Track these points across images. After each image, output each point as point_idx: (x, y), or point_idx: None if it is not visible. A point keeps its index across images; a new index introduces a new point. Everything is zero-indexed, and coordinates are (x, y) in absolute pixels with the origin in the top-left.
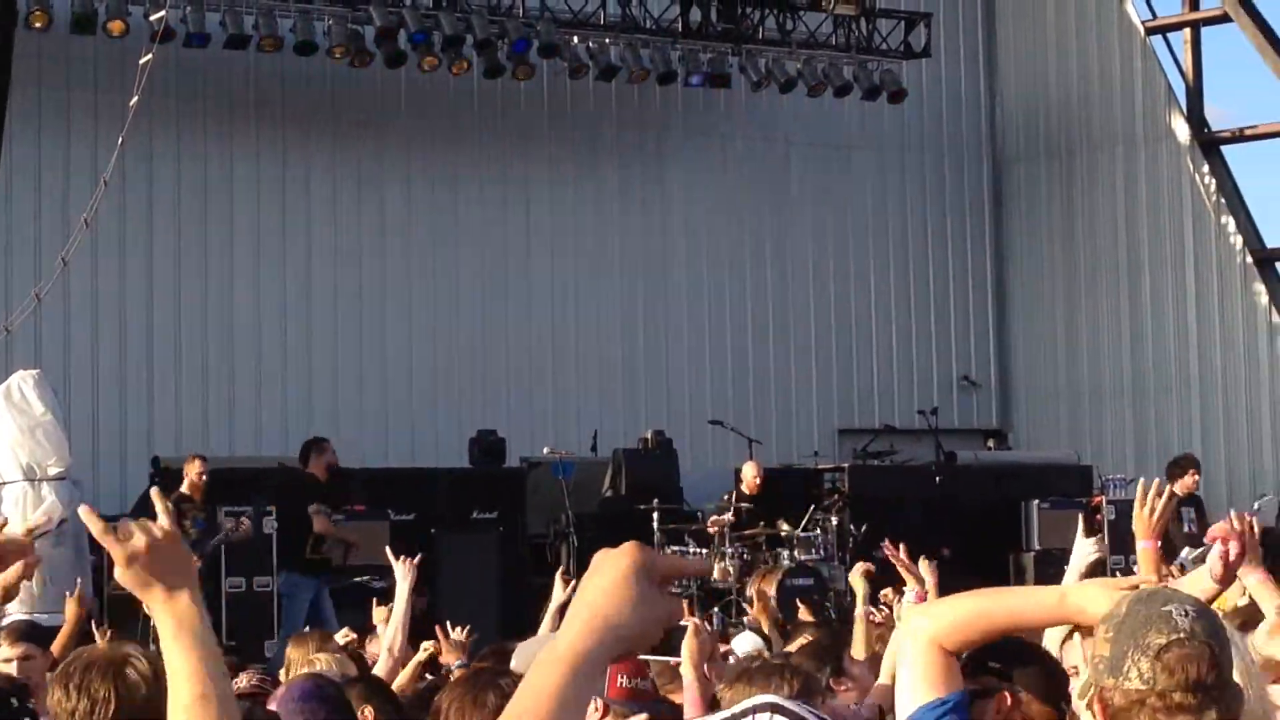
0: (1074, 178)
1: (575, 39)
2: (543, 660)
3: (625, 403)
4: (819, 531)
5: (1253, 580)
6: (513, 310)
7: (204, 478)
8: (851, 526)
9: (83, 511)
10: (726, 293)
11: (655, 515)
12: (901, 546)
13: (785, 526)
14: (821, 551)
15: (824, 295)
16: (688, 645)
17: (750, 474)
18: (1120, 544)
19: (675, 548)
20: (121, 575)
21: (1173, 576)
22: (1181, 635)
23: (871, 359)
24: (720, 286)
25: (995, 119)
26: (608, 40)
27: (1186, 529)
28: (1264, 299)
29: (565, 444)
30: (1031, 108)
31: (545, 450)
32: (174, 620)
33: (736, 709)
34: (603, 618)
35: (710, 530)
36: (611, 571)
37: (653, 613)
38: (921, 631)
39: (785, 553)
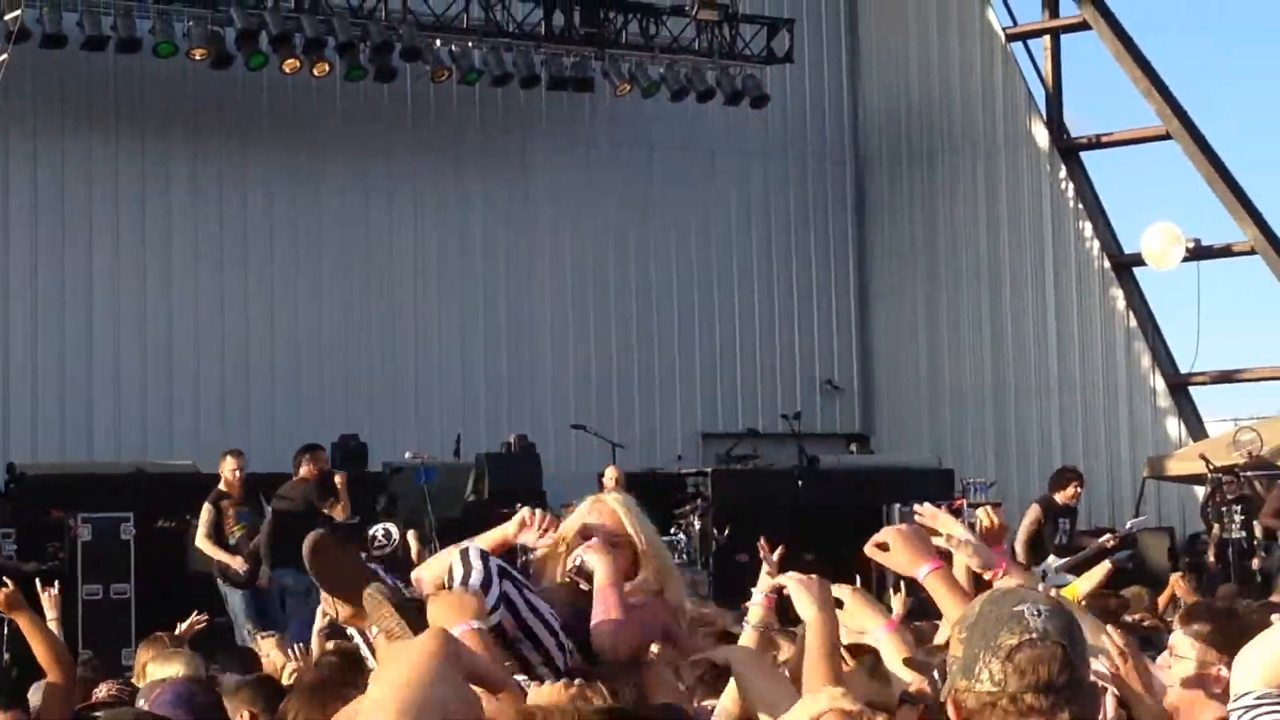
0: (936, 183)
1: (438, 42)
2: None
3: (488, 407)
4: (682, 535)
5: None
6: (376, 313)
7: (239, 474)
8: (714, 530)
9: None
10: (590, 296)
11: None
12: (769, 548)
13: None
14: (684, 556)
15: (688, 300)
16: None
17: (610, 478)
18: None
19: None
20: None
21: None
22: (1033, 635)
23: (735, 363)
24: (584, 290)
25: (858, 124)
26: (470, 44)
27: (1059, 540)
28: (1121, 303)
29: (428, 448)
30: (894, 113)
31: (407, 455)
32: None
33: None
34: (412, 707)
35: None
36: (415, 657)
37: (459, 707)
38: None
39: None
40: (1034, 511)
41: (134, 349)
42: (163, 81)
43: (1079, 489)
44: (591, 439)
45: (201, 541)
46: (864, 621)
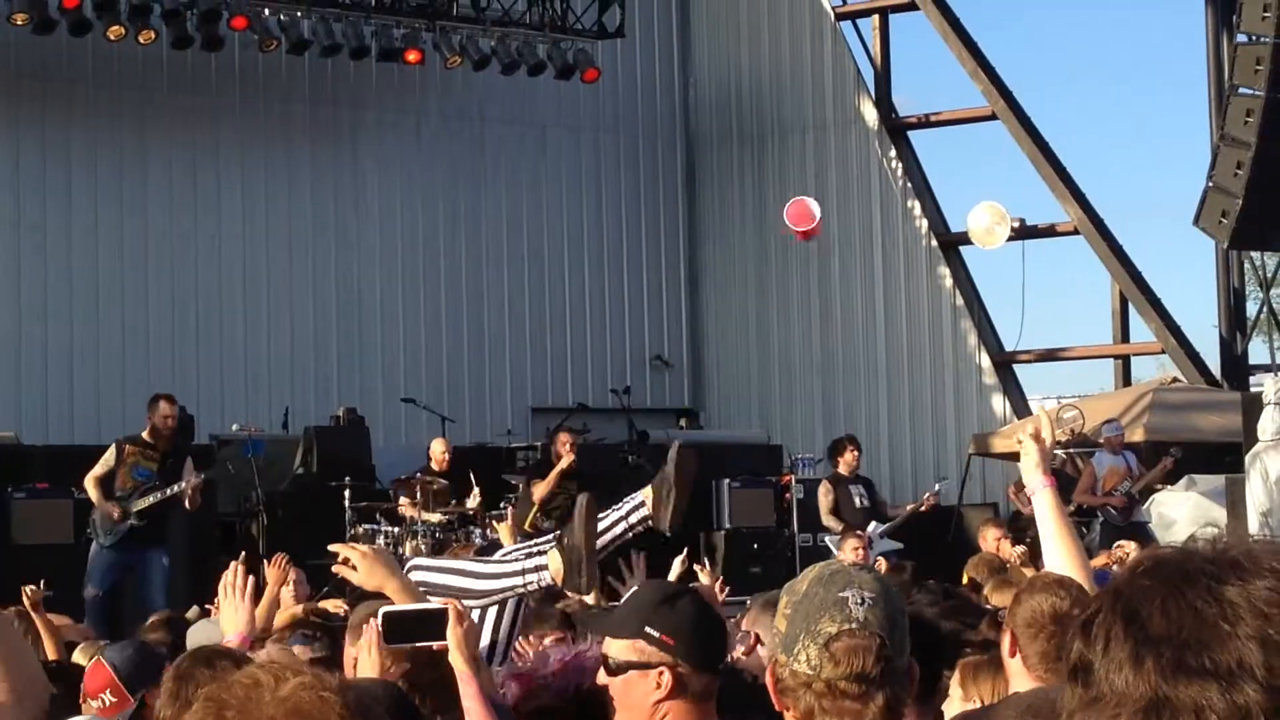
0: (765, 160)
1: (266, 11)
2: None
3: (317, 380)
4: (510, 509)
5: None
6: (203, 285)
7: (169, 421)
8: None
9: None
10: (421, 269)
11: (347, 493)
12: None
13: (471, 503)
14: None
15: (518, 273)
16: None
17: (439, 450)
18: (807, 522)
19: (366, 526)
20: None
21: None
22: (853, 626)
23: (565, 338)
24: (414, 263)
25: (689, 100)
26: (299, 13)
27: (859, 504)
28: (948, 281)
29: (256, 420)
30: (724, 90)
31: (234, 427)
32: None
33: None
34: None
35: (403, 513)
36: None
37: None
38: None
39: (477, 530)
40: (824, 487)
41: None
42: None
43: (856, 454)
44: (421, 412)
45: (88, 479)
46: None
